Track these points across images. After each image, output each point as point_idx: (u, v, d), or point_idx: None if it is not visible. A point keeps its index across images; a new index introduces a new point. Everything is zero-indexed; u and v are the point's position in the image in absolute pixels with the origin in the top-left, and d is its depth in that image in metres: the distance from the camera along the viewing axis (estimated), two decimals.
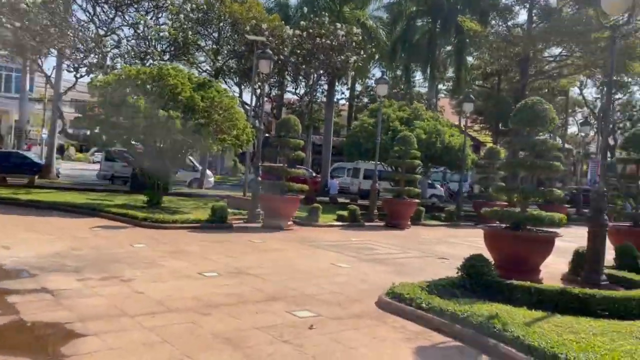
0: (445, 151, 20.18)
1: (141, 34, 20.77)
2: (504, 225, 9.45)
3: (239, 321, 5.52)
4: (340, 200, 25.02)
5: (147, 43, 21.29)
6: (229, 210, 16.11)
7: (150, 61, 21.43)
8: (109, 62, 20.54)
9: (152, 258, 8.57)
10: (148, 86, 15.50)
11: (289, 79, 29.06)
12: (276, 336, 5.11)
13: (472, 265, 7.42)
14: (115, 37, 22.16)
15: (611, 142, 55.19)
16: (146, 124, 14.59)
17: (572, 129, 62.17)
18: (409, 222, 16.82)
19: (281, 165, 14.25)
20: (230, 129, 16.42)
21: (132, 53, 20.80)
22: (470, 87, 43.01)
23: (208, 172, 30.80)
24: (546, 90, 43.07)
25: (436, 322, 5.72)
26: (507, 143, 10.49)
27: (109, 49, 20.51)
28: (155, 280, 7.12)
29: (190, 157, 31.24)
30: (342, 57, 22.68)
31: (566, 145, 52.87)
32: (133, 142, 16.18)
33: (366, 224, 16.81)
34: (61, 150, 69.21)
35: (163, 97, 15.29)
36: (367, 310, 6.36)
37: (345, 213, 16.58)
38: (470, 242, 14.10)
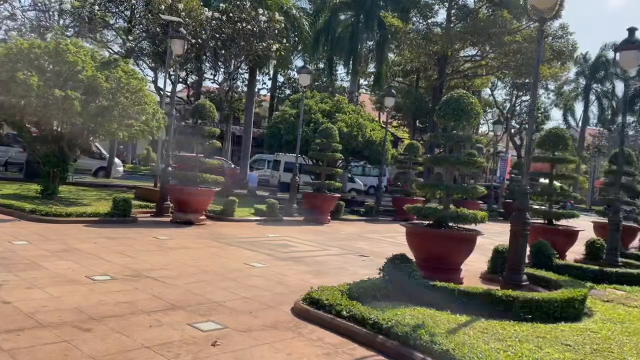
0: (366, 145, 19.94)
1: (40, 6, 18.60)
2: (425, 222, 9.13)
3: (126, 338, 4.60)
4: (260, 193, 24.18)
5: (48, 16, 19.13)
6: (136, 202, 14.80)
7: (50, 36, 19.29)
8: (1, 36, 18.23)
9: (33, 258, 7.33)
10: (43, 62, 13.77)
11: (208, 65, 27.63)
12: (171, 357, 4.27)
13: (395, 265, 6.94)
14: (10, 8, 19.74)
15: (517, 141, 58.69)
16: (40, 104, 12.94)
17: (482, 128, 65.16)
18: (329, 217, 16.35)
19: (194, 155, 13.15)
20: (139, 113, 15.04)
21: (29, 26, 18.58)
22: (390, 83, 43.65)
23: (116, 160, 28.74)
24: (461, 89, 44.56)
25: (358, 332, 5.13)
26: (433, 137, 10.10)
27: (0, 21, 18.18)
28: (30, 286, 5.97)
29: (97, 144, 29.01)
30: (263, 43, 21.72)
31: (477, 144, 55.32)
32: (27, 125, 14.36)
33: (285, 218, 16.14)
34: None
35: (61, 76, 13.66)
36: (282, 318, 5.65)
37: (263, 207, 15.80)
38: (390, 238, 13.87)
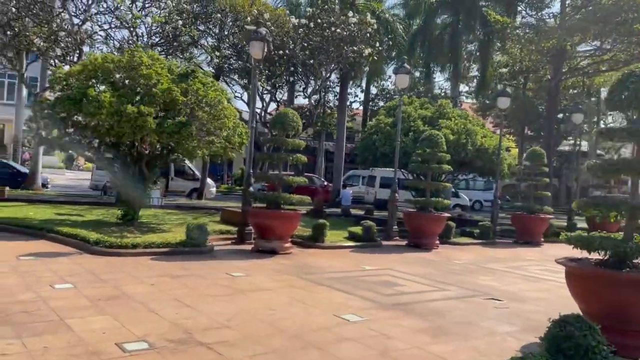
0: (477, 154, 17.09)
1: (123, 22, 18.08)
2: (593, 259, 6.41)
3: None
4: (354, 211, 22.05)
5: (131, 32, 18.59)
6: (218, 227, 13.26)
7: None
8: (85, 57, 17.87)
9: (63, 311, 5.68)
10: (118, 76, 12.77)
11: (298, 78, 26.24)
12: None
13: (568, 334, 4.38)
14: (94, 26, 19.47)
15: None
16: (112, 122, 11.85)
17: None
18: (437, 241, 13.74)
19: (276, 172, 11.27)
20: (219, 129, 13.57)
21: (112, 43, 18.12)
22: (496, 87, 39.84)
23: (209, 181, 28.09)
24: (578, 90, 39.66)
25: None
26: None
27: (84, 37, 17.82)
28: None
29: (189, 165, 28.67)
30: (354, 48, 19.74)
31: None
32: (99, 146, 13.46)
33: (384, 243, 13.80)
34: (70, 159, 67.33)
35: (134, 91, 12.55)
36: None
37: (358, 230, 13.59)
38: (519, 269, 11.00)
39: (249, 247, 11.26)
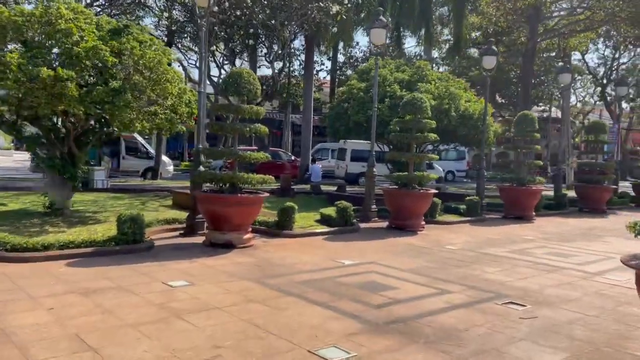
0: (460, 121, 15.27)
1: None
2: None
3: None
4: (325, 188, 20.18)
5: None
6: (165, 216, 11.08)
7: None
8: None
9: None
10: (31, 34, 10.30)
11: (259, 43, 23.77)
12: None
13: None
14: None
15: (616, 110, 51.02)
16: (22, 90, 9.47)
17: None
18: (423, 222, 11.95)
19: (230, 147, 9.09)
20: (164, 97, 11.30)
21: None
22: (466, 52, 38.13)
23: (165, 159, 25.67)
24: (554, 53, 38.33)
25: None
26: None
27: None
28: None
29: (142, 142, 26.11)
30: (320, 3, 17.47)
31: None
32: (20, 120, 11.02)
33: (362, 226, 11.94)
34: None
35: (51, 50, 10.14)
36: None
37: (332, 212, 11.67)
38: (524, 254, 9.28)
39: (200, 239, 9.18)
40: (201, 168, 9.83)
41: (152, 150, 25.44)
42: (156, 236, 9.62)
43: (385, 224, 12.25)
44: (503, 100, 49.69)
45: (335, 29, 22.95)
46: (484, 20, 30.45)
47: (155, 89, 10.94)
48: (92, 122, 11.40)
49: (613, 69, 49.11)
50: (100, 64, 10.15)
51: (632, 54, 48.70)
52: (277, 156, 28.12)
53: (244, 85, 8.65)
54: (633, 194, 20.22)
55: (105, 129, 11.56)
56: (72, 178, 11.04)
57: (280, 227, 10.31)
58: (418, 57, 34.68)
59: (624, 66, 49.41)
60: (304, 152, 25.72)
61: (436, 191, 12.12)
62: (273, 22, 19.51)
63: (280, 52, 21.94)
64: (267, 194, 9.20)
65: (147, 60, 10.67)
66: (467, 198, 14.31)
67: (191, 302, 5.64)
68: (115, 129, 11.39)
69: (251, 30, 20.06)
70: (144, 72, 10.70)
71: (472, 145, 17.11)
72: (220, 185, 8.92)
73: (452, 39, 31.75)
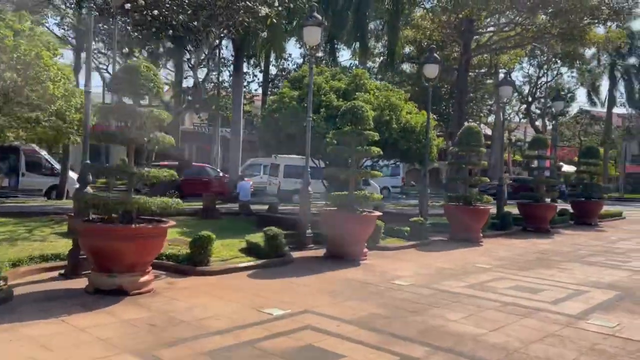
0: (402, 134, 13.94)
1: None
2: None
3: None
4: (256, 207, 18.28)
5: None
6: (45, 250, 8.74)
7: None
8: None
9: None
10: None
11: (181, 45, 21.54)
12: None
13: None
14: None
15: (540, 127, 52.66)
16: None
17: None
18: (365, 248, 10.33)
19: (122, 163, 7.00)
20: (51, 102, 9.03)
21: None
22: (400, 65, 37.63)
23: (72, 174, 22.68)
24: (483, 70, 38.76)
25: None
26: None
27: None
28: None
29: (46, 156, 23.11)
30: (248, 2, 15.69)
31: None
32: None
33: (295, 255, 10.15)
34: None
35: None
36: None
37: (259, 239, 9.80)
38: (487, 290, 7.72)
39: (83, 283, 7.01)
40: (89, 189, 7.67)
41: (57, 166, 22.51)
42: (26, 279, 7.36)
43: (322, 251, 10.52)
44: (435, 117, 50.00)
45: (265, 34, 21.24)
46: (418, 33, 29.92)
47: (34, 89, 8.70)
48: None
49: (538, 86, 50.75)
50: None
51: (555, 72, 50.74)
52: (204, 172, 25.86)
53: (140, 83, 6.65)
54: (572, 211, 19.78)
55: None
56: None
57: (193, 263, 8.31)
58: (354, 69, 33.71)
59: (547, 85, 51.18)
60: (232, 168, 23.68)
61: (380, 213, 10.54)
62: (196, 23, 17.49)
63: (203, 57, 19.90)
64: (172, 223, 7.17)
65: (23, 53, 8.43)
66: (412, 219, 12.90)
67: None
68: None
69: (171, 32, 17.91)
70: (18, 67, 8.45)
71: (414, 160, 15.84)
72: (108, 213, 6.81)
73: (386, 52, 30.91)
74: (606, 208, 21.38)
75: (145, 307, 6.21)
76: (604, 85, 49.78)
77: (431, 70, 14.12)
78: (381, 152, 10.60)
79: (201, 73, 21.50)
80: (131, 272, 6.62)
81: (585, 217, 19.16)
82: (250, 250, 9.81)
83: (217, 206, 16.66)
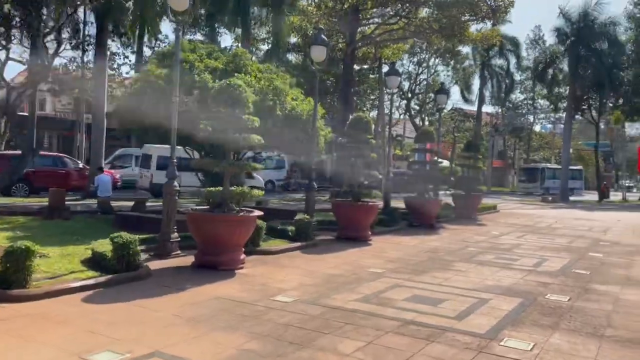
0: (287, 122, 12.53)
1: None
2: None
3: None
4: (120, 203, 15.96)
5: None
6: None
7: None
8: None
9: None
10: None
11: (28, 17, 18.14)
12: None
13: None
14: None
15: (419, 123, 54.75)
16: None
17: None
18: (242, 255, 8.76)
19: None
20: None
21: None
22: (285, 55, 36.34)
23: None
24: (366, 65, 38.83)
25: None
26: None
27: None
28: None
29: None
30: None
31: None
32: None
33: (156, 263, 8.30)
34: None
35: None
36: None
37: (106, 248, 7.78)
38: (385, 304, 6.45)
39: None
40: None
41: None
42: None
43: (190, 259, 8.76)
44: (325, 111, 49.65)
45: (131, 4, 18.60)
46: (304, 20, 28.77)
47: None
48: None
49: (417, 83, 52.58)
50: None
51: (433, 70, 52.90)
52: (61, 163, 22.46)
53: None
54: (453, 205, 19.88)
55: None
56: None
57: (6, 284, 6.15)
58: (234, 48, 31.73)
59: (426, 82, 53.18)
60: (94, 159, 20.72)
61: (261, 213, 8.99)
62: None
63: (51, 28, 16.78)
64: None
65: None
66: (297, 217, 11.56)
67: None
68: None
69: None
70: None
71: (299, 151, 14.52)
72: None
73: (271, 38, 29.42)
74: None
75: None
76: (476, 84, 52.76)
77: (318, 53, 12.88)
78: (262, 141, 9.05)
79: (50, 46, 18.20)
80: None
81: (466, 211, 19.31)
82: (96, 261, 7.79)
83: (70, 203, 14.09)
